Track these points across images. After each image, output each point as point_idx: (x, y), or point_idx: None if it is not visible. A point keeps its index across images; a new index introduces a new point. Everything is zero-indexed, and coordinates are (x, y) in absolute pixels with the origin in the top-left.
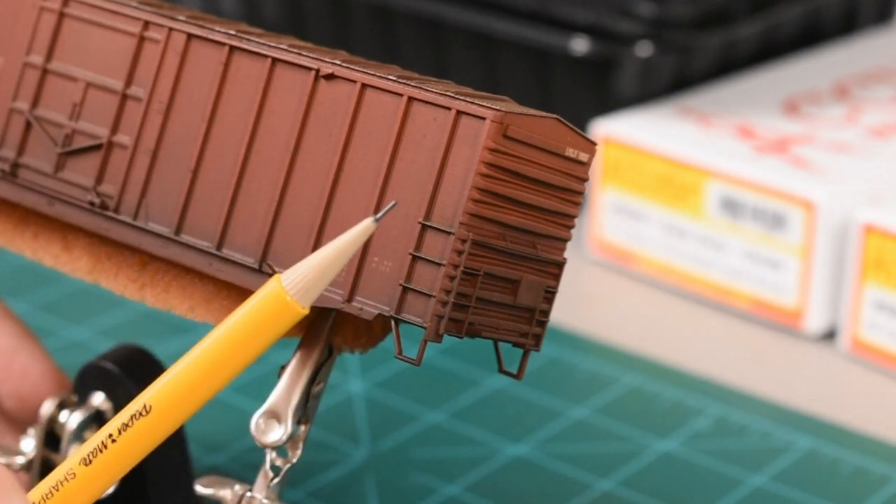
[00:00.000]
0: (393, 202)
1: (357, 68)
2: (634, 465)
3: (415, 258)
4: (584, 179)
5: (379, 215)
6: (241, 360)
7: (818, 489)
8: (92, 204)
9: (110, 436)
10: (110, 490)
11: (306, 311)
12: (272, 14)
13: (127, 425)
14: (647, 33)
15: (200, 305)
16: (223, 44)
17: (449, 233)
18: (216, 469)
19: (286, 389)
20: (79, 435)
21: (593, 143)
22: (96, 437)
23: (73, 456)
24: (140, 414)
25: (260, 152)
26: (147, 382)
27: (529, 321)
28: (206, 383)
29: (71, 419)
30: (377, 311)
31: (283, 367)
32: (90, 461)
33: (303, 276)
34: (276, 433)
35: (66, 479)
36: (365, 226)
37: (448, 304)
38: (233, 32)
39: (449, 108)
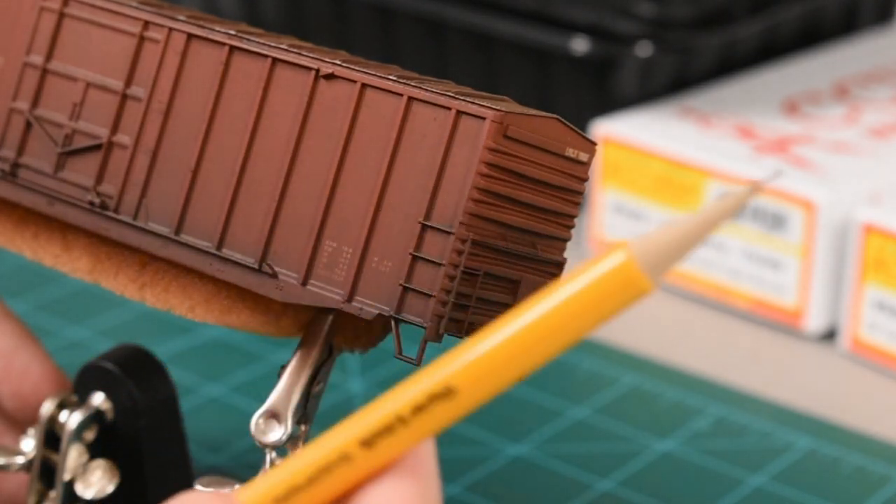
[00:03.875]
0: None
1: (357, 68)
2: (634, 465)
3: (415, 258)
4: (584, 179)
5: (763, 180)
6: (567, 337)
7: (818, 489)
8: (92, 204)
9: (399, 417)
10: (110, 489)
11: (652, 291)
12: (272, 14)
13: (422, 408)
14: (647, 33)
15: (200, 305)
16: (223, 44)
17: (449, 233)
18: (216, 469)
19: (286, 389)
20: (79, 435)
21: (593, 143)
22: (376, 414)
23: (343, 432)
24: (439, 396)
25: (260, 152)
26: (147, 382)
27: None
28: (522, 361)
29: (71, 419)
30: (377, 311)
31: (283, 367)
32: (372, 443)
33: (658, 248)
34: (276, 433)
35: (337, 461)
36: (741, 194)
37: (448, 304)
38: (233, 32)
39: (449, 108)
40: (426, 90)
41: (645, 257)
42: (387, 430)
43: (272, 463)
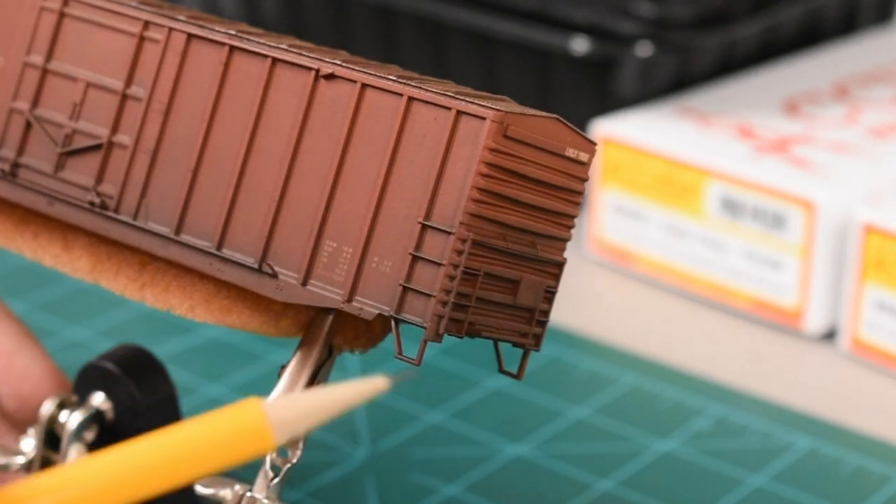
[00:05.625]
0: (413, 374)
1: (357, 68)
2: (634, 465)
3: (415, 258)
4: (585, 179)
5: (398, 377)
6: (183, 474)
7: (818, 489)
8: (92, 204)
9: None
10: None
11: (274, 448)
12: (272, 14)
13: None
14: (647, 33)
15: (200, 305)
16: (223, 44)
17: (449, 233)
18: None
19: (286, 389)
20: (79, 435)
21: (593, 143)
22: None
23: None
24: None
25: (260, 152)
26: (147, 382)
27: (529, 321)
28: (147, 484)
29: (71, 419)
30: (377, 311)
31: (283, 367)
32: None
33: (289, 409)
34: None
35: None
36: (378, 383)
37: (448, 304)
38: (233, 32)
39: (449, 108)
40: (426, 90)
41: (277, 416)
42: None
43: (272, 463)
